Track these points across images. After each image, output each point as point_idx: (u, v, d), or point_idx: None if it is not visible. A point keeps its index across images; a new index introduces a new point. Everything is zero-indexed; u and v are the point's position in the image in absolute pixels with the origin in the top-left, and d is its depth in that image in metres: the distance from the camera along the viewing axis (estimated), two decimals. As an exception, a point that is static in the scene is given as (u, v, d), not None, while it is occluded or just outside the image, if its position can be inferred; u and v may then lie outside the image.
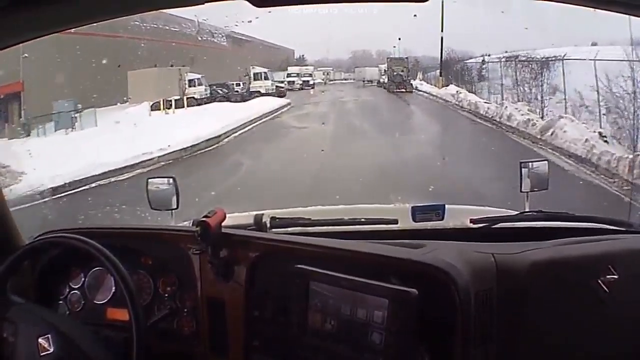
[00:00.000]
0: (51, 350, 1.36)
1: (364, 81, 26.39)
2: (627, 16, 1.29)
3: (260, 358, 1.50)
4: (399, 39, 23.04)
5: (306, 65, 27.15)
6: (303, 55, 27.86)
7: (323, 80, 27.79)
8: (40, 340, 1.36)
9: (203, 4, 1.32)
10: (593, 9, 1.27)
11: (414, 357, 1.25)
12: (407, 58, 23.66)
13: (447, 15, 19.39)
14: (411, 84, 22.68)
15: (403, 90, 21.88)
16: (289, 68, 26.53)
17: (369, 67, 27.26)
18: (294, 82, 26.03)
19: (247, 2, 1.23)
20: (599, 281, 1.43)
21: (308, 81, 26.42)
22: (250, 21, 13.88)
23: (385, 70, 24.71)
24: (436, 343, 1.27)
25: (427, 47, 23.30)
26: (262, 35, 24.79)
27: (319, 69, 27.51)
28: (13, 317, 1.42)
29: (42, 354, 1.35)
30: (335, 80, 27.86)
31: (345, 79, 27.70)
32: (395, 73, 22.81)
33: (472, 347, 1.28)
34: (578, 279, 1.44)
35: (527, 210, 1.99)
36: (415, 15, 17.56)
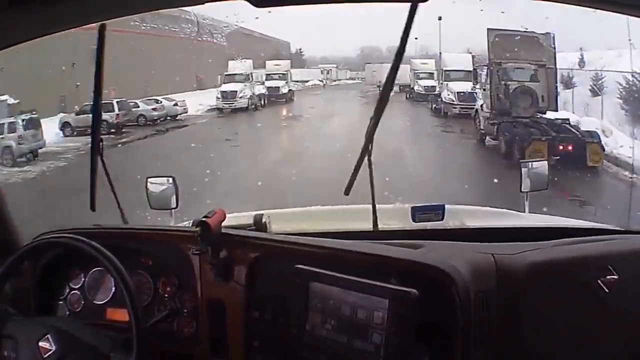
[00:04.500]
0: (53, 348, 1.36)
1: (379, 87, 13.36)
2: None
3: (260, 358, 1.50)
4: (416, 38, 15.77)
5: (277, 61, 15.69)
6: (301, 50, 19.24)
7: (322, 81, 18.50)
8: (40, 343, 1.36)
9: (203, 3, 1.32)
10: (593, 9, 1.26)
11: (414, 357, 1.25)
12: (551, 35, 9.67)
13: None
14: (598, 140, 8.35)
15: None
16: (229, 64, 14.54)
17: (388, 63, 14.41)
18: (234, 94, 13.90)
19: (247, 2, 1.23)
20: (599, 281, 1.43)
21: (277, 88, 14.85)
22: (257, 18, 10.92)
23: (447, 73, 12.55)
24: (436, 343, 1.27)
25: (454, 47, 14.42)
26: (249, 24, 14.98)
27: (319, 66, 19.14)
28: (11, 333, 1.41)
29: (45, 356, 1.35)
30: (339, 80, 19.31)
31: (352, 79, 19.25)
32: (514, 88, 9.30)
33: (472, 347, 1.28)
34: (578, 279, 1.44)
35: (527, 210, 1.99)
36: (440, 18, 12.69)
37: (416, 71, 15.10)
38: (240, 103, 13.93)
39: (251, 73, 14.67)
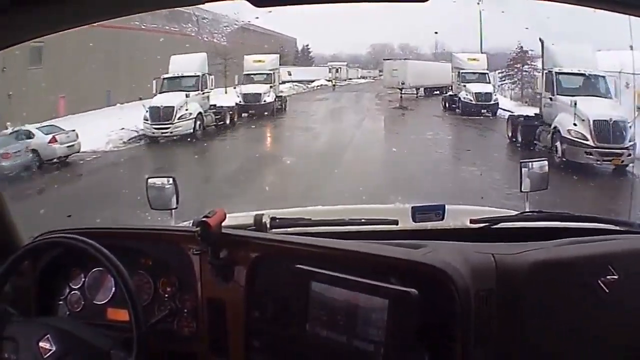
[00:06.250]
0: (53, 348, 1.36)
1: (401, 89, 11.53)
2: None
3: (260, 358, 1.50)
4: (436, 32, 11.57)
5: (260, 56, 11.15)
6: (307, 46, 17.15)
7: (330, 82, 15.75)
8: (40, 344, 1.36)
9: (203, 3, 1.32)
10: (593, 9, 1.26)
11: (414, 357, 1.25)
12: None
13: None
14: None
15: None
16: (171, 60, 9.74)
17: (413, 60, 11.97)
18: (170, 112, 8.71)
19: (247, 2, 1.23)
20: (599, 281, 1.43)
21: (258, 95, 10.33)
22: (257, 17, 9.58)
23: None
24: (436, 343, 1.27)
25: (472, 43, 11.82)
26: (250, 22, 11.71)
27: (328, 64, 16.75)
28: (11, 335, 1.42)
29: (45, 356, 1.35)
30: (350, 80, 17.28)
31: (364, 77, 17.19)
32: None
33: (472, 347, 1.28)
34: (578, 279, 1.44)
35: (527, 210, 1.99)
36: (479, 3, 10.25)
37: (462, 71, 10.60)
38: (181, 127, 8.59)
39: (204, 75, 9.40)
